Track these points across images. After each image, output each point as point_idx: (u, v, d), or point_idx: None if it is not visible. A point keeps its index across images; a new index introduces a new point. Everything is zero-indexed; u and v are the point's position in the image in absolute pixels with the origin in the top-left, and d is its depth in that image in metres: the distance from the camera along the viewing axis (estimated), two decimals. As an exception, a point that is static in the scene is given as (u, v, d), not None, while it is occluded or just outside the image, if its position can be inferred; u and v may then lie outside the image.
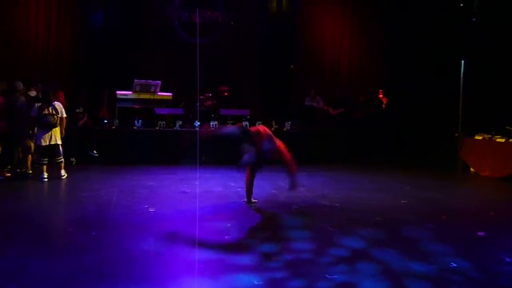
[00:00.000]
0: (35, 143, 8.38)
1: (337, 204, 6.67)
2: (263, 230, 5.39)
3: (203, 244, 4.65)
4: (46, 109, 8.15)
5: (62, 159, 8.45)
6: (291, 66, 12.57)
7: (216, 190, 7.56)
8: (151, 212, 6.04)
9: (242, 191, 7.34)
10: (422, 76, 12.97)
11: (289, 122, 11.37)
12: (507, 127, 9.69)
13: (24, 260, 4.17)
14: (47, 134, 8.22)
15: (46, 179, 8.19)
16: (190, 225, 5.40)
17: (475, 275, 4.07)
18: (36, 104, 8.25)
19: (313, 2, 14.18)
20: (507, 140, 9.43)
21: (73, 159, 9.86)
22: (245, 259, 4.29)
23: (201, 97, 11.83)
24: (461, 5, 12.04)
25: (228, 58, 13.68)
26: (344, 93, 13.35)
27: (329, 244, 4.81)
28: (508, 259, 4.45)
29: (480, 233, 5.34)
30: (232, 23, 13.64)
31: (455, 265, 4.25)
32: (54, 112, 8.21)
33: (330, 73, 14.11)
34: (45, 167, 8.30)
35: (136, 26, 12.99)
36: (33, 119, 8.21)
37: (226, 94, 12.17)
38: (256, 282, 3.76)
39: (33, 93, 9.05)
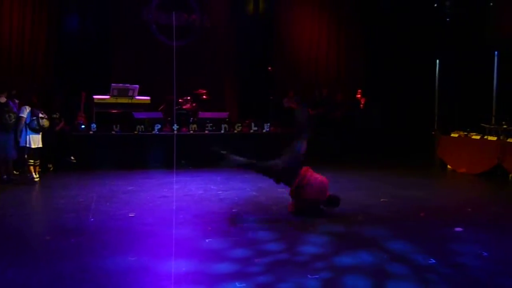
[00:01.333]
0: (26, 147, 8.41)
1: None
2: (244, 232, 5.38)
3: (184, 248, 4.63)
4: (40, 113, 8.37)
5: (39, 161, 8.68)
6: (269, 67, 12.61)
7: (196, 193, 7.53)
8: (131, 217, 5.97)
9: (223, 194, 7.35)
10: (398, 75, 13.13)
11: (268, 124, 11.39)
12: (482, 124, 9.88)
13: (0, 268, 4.08)
14: (37, 137, 8.43)
15: (37, 179, 8.38)
16: (171, 229, 5.35)
17: (453, 270, 4.13)
18: (27, 108, 8.34)
19: (290, 4, 14.24)
20: (482, 137, 9.62)
21: (50, 165, 9.69)
22: (227, 262, 4.28)
23: (179, 100, 11.78)
24: (435, 5, 12.23)
25: (206, 60, 13.64)
26: (323, 94, 13.42)
27: (310, 243, 4.83)
28: (485, 254, 4.54)
29: (458, 229, 5.43)
30: (209, 25, 13.62)
31: (433, 261, 4.31)
32: (45, 115, 8.47)
33: (308, 74, 14.17)
34: (32, 168, 8.42)
35: (112, 29, 12.86)
36: (23, 121, 8.28)
37: (204, 97, 12.13)
38: (238, 285, 3.75)
39: (3, 99, 8.85)
